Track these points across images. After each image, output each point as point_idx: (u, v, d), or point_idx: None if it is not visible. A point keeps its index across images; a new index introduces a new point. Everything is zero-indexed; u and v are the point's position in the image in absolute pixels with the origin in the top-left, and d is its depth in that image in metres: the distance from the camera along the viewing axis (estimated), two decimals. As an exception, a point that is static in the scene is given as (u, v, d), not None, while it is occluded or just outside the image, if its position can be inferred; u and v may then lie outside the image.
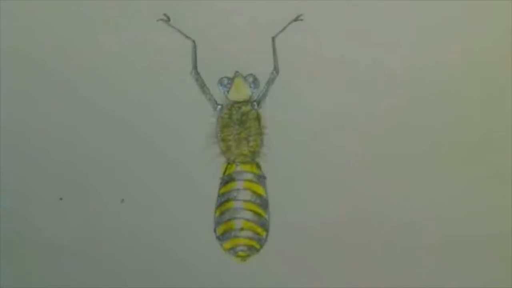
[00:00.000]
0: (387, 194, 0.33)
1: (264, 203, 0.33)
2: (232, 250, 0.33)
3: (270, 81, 0.33)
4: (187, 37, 0.33)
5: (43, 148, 0.33)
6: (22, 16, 0.33)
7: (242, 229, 0.33)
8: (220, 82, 0.33)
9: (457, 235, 0.33)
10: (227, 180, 0.33)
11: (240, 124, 0.33)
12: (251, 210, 0.33)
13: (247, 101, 0.33)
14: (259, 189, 0.33)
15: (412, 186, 0.33)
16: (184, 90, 0.33)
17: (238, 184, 0.33)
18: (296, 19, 0.33)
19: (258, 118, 0.33)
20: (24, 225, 0.34)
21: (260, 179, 0.33)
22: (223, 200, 0.33)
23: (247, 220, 0.33)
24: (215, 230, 0.33)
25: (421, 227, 0.33)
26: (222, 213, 0.33)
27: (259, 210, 0.33)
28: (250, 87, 0.33)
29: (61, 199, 0.33)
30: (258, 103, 0.33)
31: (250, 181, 0.33)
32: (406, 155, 0.33)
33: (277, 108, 0.33)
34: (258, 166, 0.33)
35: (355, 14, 0.33)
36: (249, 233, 0.33)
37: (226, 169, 0.33)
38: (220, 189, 0.33)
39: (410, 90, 0.33)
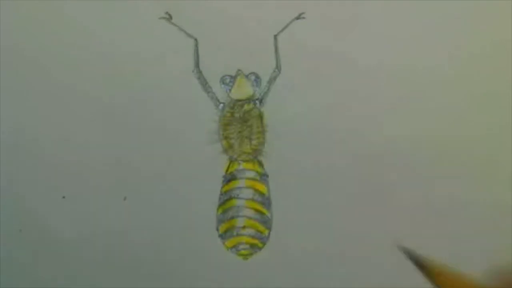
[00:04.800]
0: (389, 191, 0.33)
1: (266, 201, 0.33)
2: (235, 248, 0.33)
3: (272, 79, 0.33)
4: (189, 35, 0.33)
5: (45, 146, 0.33)
6: (23, 16, 0.33)
7: (244, 227, 0.33)
8: (222, 80, 0.33)
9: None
10: (229, 178, 0.33)
11: (242, 122, 0.33)
12: (253, 208, 0.33)
13: (249, 99, 0.33)
14: (262, 187, 0.33)
15: (412, 184, 0.33)
16: (186, 88, 0.33)
17: (240, 182, 0.33)
18: (298, 17, 0.33)
19: (260, 116, 0.33)
20: (27, 224, 0.34)
21: (263, 177, 0.33)
22: (226, 198, 0.33)
23: (250, 218, 0.33)
24: (217, 228, 0.33)
25: (422, 224, 0.33)
26: (224, 211, 0.33)
27: (262, 208, 0.33)
28: (252, 85, 0.33)
29: (64, 197, 0.34)
30: (260, 101, 0.33)
31: (253, 179, 0.33)
32: (408, 152, 0.33)
33: (279, 106, 0.33)
34: (260, 164, 0.33)
35: (357, 12, 0.33)
36: (251, 231, 0.33)
37: (228, 167, 0.33)
38: (222, 187, 0.33)
39: (412, 87, 0.33)
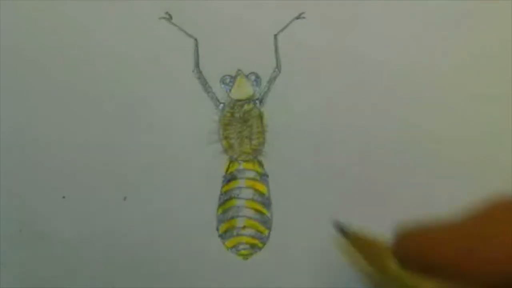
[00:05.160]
0: (389, 191, 0.33)
1: (266, 201, 0.33)
2: (235, 248, 0.33)
3: (272, 79, 0.33)
4: (189, 35, 0.33)
5: (45, 146, 0.33)
6: (23, 16, 0.33)
7: (244, 227, 0.33)
8: (222, 80, 0.33)
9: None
10: (229, 178, 0.33)
11: (242, 122, 0.33)
12: (253, 208, 0.33)
13: (249, 99, 0.33)
14: (262, 187, 0.33)
15: (412, 184, 0.33)
16: (186, 88, 0.33)
17: (240, 182, 0.33)
18: (298, 17, 0.33)
19: (260, 116, 0.33)
20: (27, 224, 0.34)
21: (263, 177, 0.33)
22: (226, 198, 0.33)
23: (250, 218, 0.33)
24: (217, 228, 0.33)
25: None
26: (224, 211, 0.33)
27: (262, 208, 0.33)
28: (252, 85, 0.33)
29: (64, 197, 0.33)
30: (260, 101, 0.33)
31: (253, 179, 0.33)
32: (408, 152, 0.33)
33: (279, 106, 0.33)
34: (260, 164, 0.33)
35: (357, 12, 0.33)
36: (251, 231, 0.33)
37: (228, 167, 0.33)
38: (222, 187, 0.33)
39: (412, 87, 0.33)
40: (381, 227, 0.33)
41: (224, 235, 0.33)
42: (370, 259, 0.28)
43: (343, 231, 0.28)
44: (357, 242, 0.28)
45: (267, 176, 0.33)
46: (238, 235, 0.33)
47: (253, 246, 0.33)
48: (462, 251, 0.23)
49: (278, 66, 0.33)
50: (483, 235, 0.23)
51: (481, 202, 0.23)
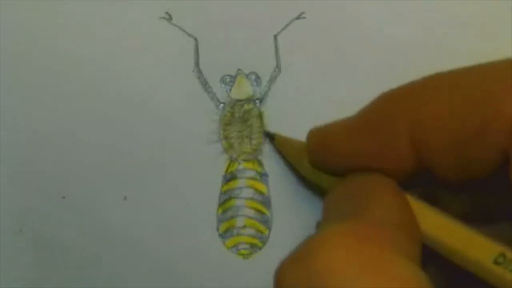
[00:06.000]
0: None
1: (266, 201, 0.33)
2: (235, 248, 0.33)
3: (272, 79, 0.33)
4: (189, 35, 0.33)
5: (44, 146, 0.33)
6: (23, 16, 0.33)
7: (244, 227, 0.33)
8: (222, 80, 0.33)
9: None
10: (229, 178, 0.33)
11: (242, 122, 0.33)
12: (253, 208, 0.33)
13: (249, 99, 0.33)
14: (262, 187, 0.33)
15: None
16: (186, 88, 0.33)
17: (240, 182, 0.33)
18: (298, 17, 0.33)
19: (260, 116, 0.33)
20: (26, 224, 0.34)
21: (263, 176, 0.33)
22: (226, 198, 0.33)
23: (250, 218, 0.33)
24: (217, 228, 0.33)
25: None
26: (224, 211, 0.33)
27: (262, 208, 0.33)
28: (252, 85, 0.33)
29: (64, 197, 0.33)
30: (261, 101, 0.33)
31: (253, 179, 0.33)
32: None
33: (279, 106, 0.33)
34: (260, 163, 0.33)
35: (357, 12, 0.33)
36: (251, 231, 0.33)
37: (228, 167, 0.33)
38: (222, 187, 0.33)
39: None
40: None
41: (224, 235, 0.33)
42: (291, 158, 0.31)
43: (269, 134, 0.32)
44: (281, 143, 0.32)
45: (267, 175, 0.33)
46: (238, 234, 0.33)
47: (253, 245, 0.33)
48: (352, 142, 0.26)
49: (278, 66, 0.33)
50: (370, 127, 0.25)
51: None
